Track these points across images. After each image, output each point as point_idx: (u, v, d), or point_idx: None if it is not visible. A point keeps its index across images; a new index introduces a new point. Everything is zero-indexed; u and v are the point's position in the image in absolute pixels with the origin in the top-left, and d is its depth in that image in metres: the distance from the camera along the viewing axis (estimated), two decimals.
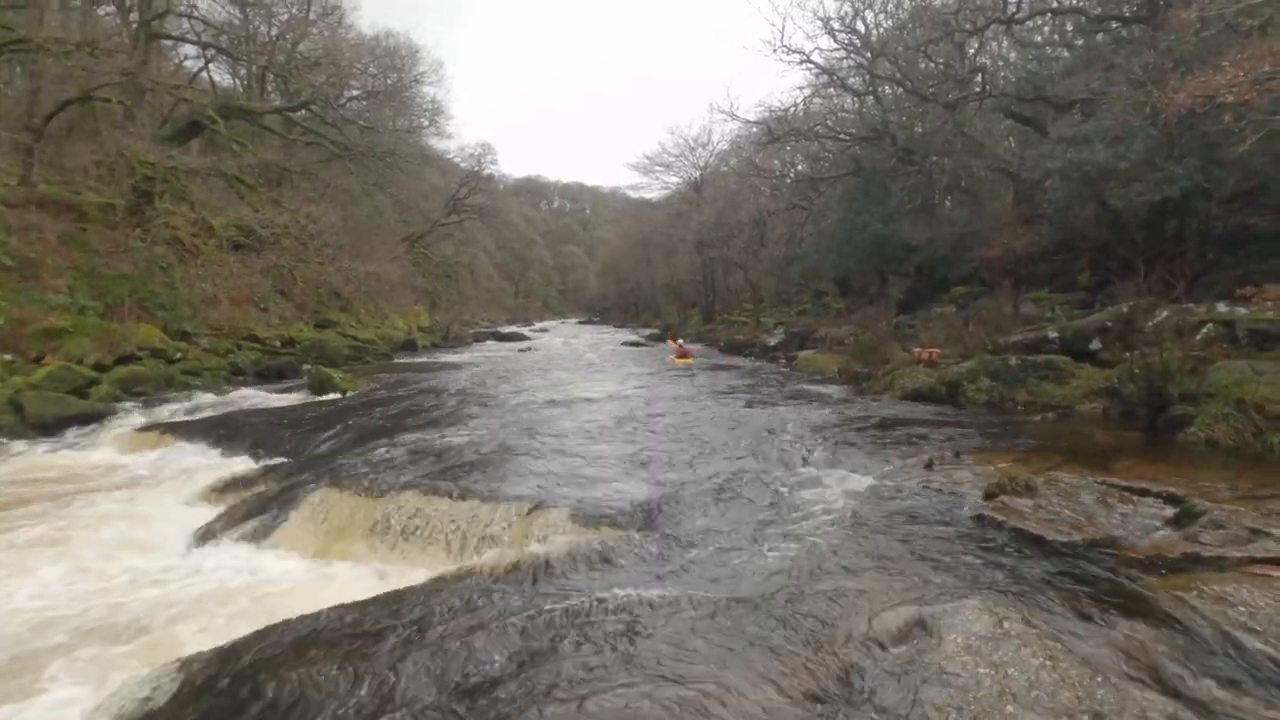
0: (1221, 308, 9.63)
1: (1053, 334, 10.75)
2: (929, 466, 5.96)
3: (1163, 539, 3.97)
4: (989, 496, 4.80)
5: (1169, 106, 9.42)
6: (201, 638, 3.71)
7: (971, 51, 19.70)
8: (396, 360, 21.61)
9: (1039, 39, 19.22)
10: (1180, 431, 6.77)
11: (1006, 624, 2.94)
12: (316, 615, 3.63)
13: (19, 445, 8.63)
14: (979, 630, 2.91)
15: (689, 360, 18.93)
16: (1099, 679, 2.60)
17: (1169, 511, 4.33)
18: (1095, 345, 10.08)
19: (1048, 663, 2.69)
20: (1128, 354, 8.20)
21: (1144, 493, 4.71)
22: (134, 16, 22.15)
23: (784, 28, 53.23)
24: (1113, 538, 4.00)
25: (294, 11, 27.71)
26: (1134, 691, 2.54)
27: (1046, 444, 6.87)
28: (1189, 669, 2.74)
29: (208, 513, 6.15)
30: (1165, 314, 9.80)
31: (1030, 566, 3.70)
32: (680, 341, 22.94)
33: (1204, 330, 8.96)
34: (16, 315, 12.07)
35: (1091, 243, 15.79)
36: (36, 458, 8.25)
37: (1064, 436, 7.30)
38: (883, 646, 2.91)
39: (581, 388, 13.17)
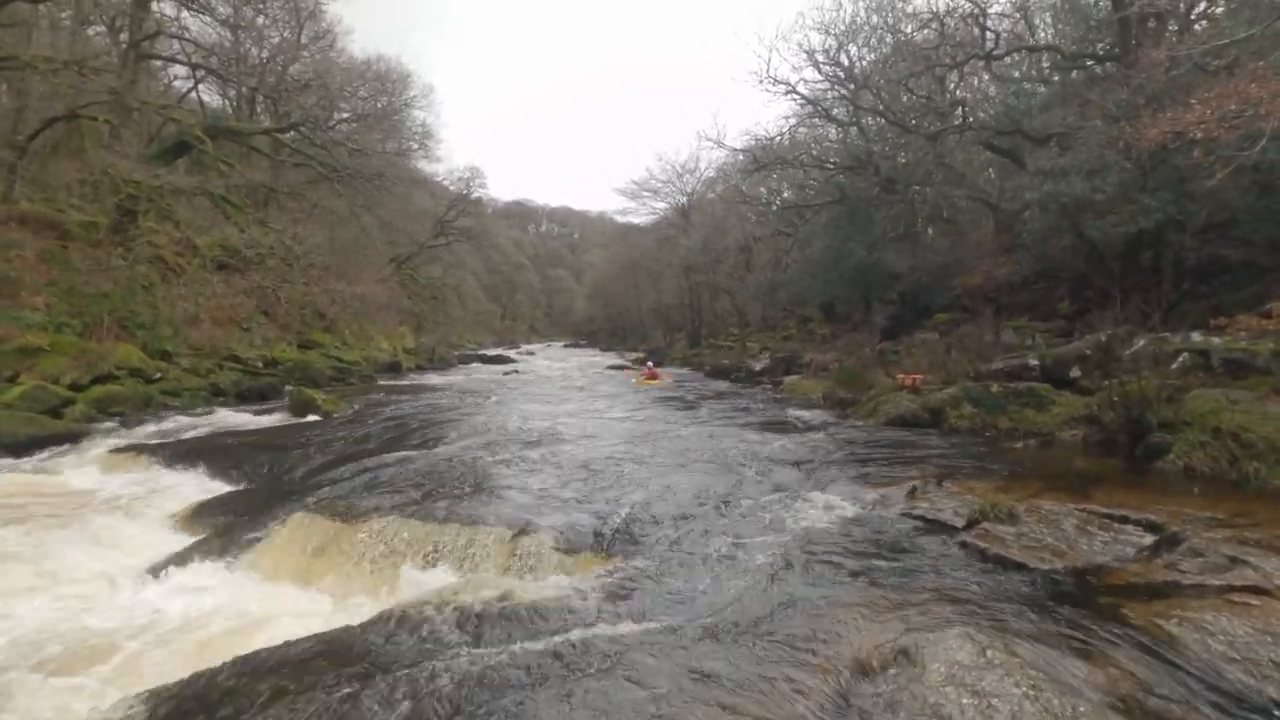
0: (1196, 337, 9.79)
1: (1033, 361, 10.87)
2: (912, 493, 5.96)
3: (1143, 567, 3.99)
4: (971, 524, 4.80)
5: (1141, 141, 9.71)
6: (170, 668, 3.59)
7: (952, 85, 20.25)
8: (380, 382, 21.40)
9: (1017, 74, 19.81)
10: (1159, 459, 6.84)
11: (990, 652, 2.92)
12: (291, 644, 3.54)
13: None
14: (962, 659, 2.89)
15: (658, 381, 20.17)
16: (1081, 708, 2.59)
17: (1149, 539, 4.36)
18: (1075, 373, 10.21)
19: (1030, 692, 2.67)
20: (1106, 382, 8.31)
21: (1124, 520, 4.75)
22: (124, 37, 22.21)
23: (770, 59, 54.50)
24: (1094, 565, 4.02)
25: (286, 35, 27.92)
26: None
27: (1028, 471, 6.91)
28: (1170, 698, 2.74)
29: (181, 536, 6.01)
30: (1142, 343, 9.96)
31: (1013, 594, 3.70)
32: (650, 364, 25.09)
33: (1180, 359, 9.10)
34: None
35: (1070, 272, 16.12)
36: (6, 479, 8.03)
37: (1045, 463, 7.35)
38: (866, 675, 2.88)
39: (564, 411, 13.12)
